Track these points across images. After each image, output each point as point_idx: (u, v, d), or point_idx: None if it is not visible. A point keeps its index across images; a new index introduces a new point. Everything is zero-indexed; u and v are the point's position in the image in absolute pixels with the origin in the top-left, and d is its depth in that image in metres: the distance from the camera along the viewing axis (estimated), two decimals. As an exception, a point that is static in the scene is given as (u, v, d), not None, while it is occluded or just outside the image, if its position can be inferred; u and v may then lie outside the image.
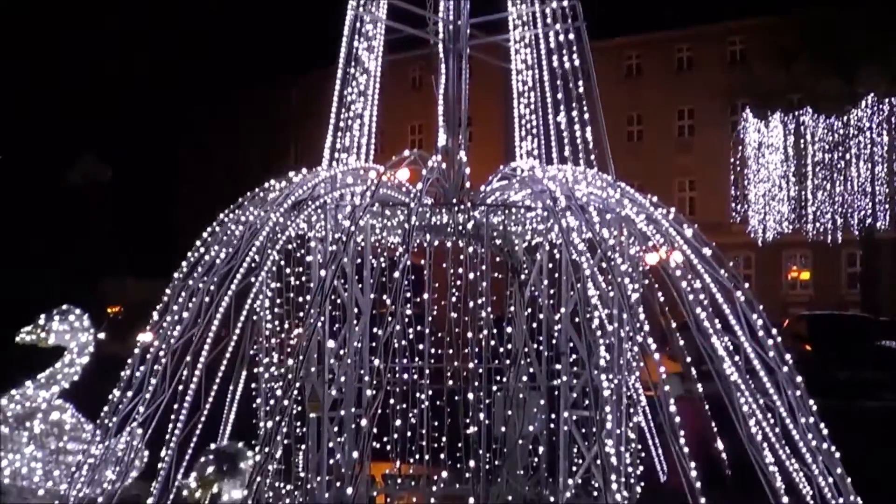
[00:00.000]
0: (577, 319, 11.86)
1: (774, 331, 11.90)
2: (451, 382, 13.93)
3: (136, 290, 32.04)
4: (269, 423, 9.74)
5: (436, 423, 14.28)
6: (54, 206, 37.41)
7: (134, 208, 39.30)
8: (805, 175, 51.62)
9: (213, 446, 9.71)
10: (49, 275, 33.27)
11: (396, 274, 9.73)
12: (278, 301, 12.41)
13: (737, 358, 11.41)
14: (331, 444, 11.32)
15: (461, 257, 13.93)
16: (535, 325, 13.52)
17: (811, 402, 11.67)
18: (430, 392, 14.09)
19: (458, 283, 14.02)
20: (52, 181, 37.04)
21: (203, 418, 10.20)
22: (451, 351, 14.22)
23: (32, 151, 38.04)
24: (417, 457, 14.39)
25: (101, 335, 17.06)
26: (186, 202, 41.07)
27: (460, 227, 11.47)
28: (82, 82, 42.69)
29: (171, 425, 10.50)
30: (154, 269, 39.14)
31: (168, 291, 11.73)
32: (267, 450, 9.11)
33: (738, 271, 12.20)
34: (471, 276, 12.27)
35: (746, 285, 12.18)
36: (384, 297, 12.39)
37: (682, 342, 11.68)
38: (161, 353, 10.87)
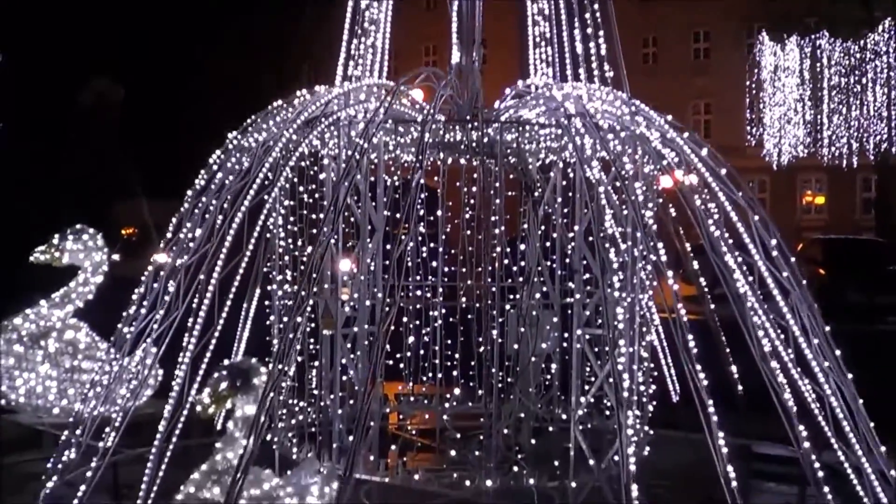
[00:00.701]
0: (590, 238, 11.81)
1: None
2: (464, 301, 13.89)
3: (149, 211, 32.07)
4: (283, 341, 9.74)
5: (448, 342, 14.28)
6: (67, 128, 37.35)
7: (146, 130, 39.17)
8: (821, 99, 51.31)
9: (226, 362, 9.69)
10: (62, 196, 33.25)
11: (411, 188, 9.66)
12: (291, 219, 12.38)
13: (751, 279, 11.36)
14: (343, 362, 11.35)
15: (474, 175, 13.86)
16: (548, 243, 13.49)
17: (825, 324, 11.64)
18: (443, 310, 14.07)
19: (472, 201, 13.98)
20: (63, 102, 36.92)
21: (216, 335, 10.18)
22: (464, 269, 14.20)
23: (43, 72, 37.94)
24: (430, 375, 14.42)
25: (116, 256, 17.04)
26: (198, 124, 40.92)
27: (474, 144, 11.40)
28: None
29: (184, 342, 10.51)
30: (167, 191, 39.17)
31: (182, 209, 11.70)
32: (280, 366, 9.11)
33: (752, 195, 12.05)
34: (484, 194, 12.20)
35: (762, 208, 12.09)
36: (397, 215, 12.40)
37: (696, 264, 11.61)
38: (174, 271, 10.83)
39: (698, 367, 10.13)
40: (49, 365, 15.33)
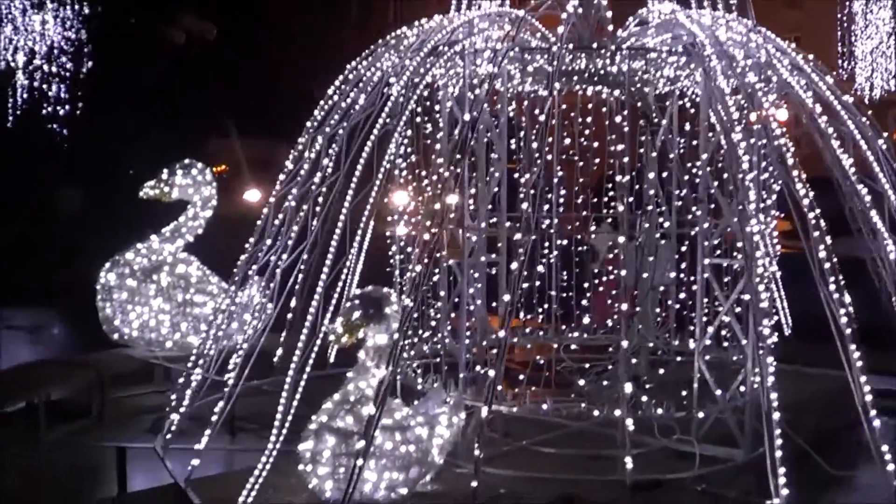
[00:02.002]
0: (716, 166, 11.66)
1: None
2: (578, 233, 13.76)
3: (241, 149, 32.18)
4: (409, 272, 9.68)
5: (564, 274, 14.16)
6: (159, 67, 37.45)
7: (237, 70, 39.16)
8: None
9: (357, 291, 9.65)
10: (154, 135, 33.40)
11: (542, 118, 9.51)
12: (409, 150, 12.27)
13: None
14: (471, 291, 11.28)
15: (588, 106, 13.70)
16: (664, 174, 13.31)
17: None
18: (561, 242, 13.91)
19: (587, 132, 13.82)
20: (155, 41, 37.01)
21: (349, 267, 10.15)
22: (579, 200, 14.06)
23: (134, 11, 37.99)
24: (546, 307, 14.30)
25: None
26: (287, 61, 40.84)
27: (601, 73, 11.20)
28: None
29: (306, 272, 10.48)
30: (257, 130, 39.30)
31: (301, 140, 11.64)
32: (414, 296, 9.06)
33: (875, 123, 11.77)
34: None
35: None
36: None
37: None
38: (303, 200, 10.78)
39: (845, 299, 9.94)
40: (161, 299, 15.40)
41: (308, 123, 11.64)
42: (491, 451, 11.20)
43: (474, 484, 8.98)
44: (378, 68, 11.23)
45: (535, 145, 9.80)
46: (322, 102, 11.65)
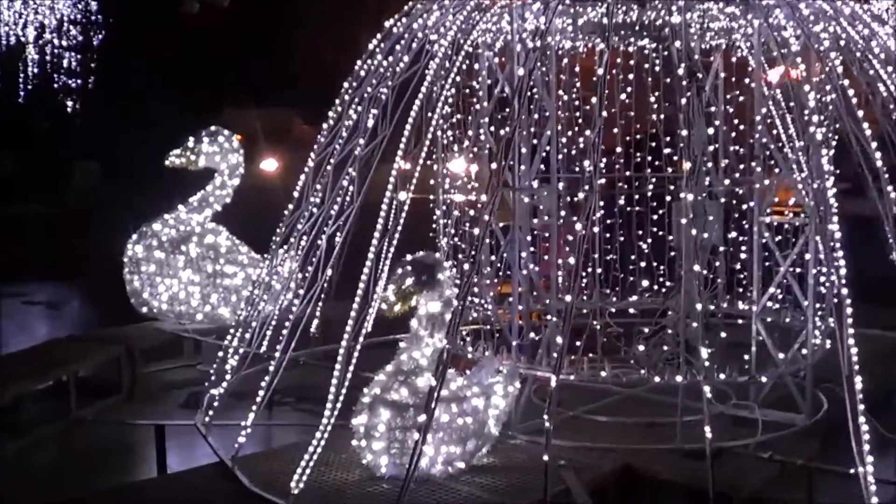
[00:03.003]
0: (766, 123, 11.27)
1: None
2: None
3: (257, 118, 31.77)
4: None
5: (608, 236, 13.68)
6: (172, 35, 37.07)
7: (252, 38, 38.75)
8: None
9: (409, 257, 9.22)
10: (169, 105, 33.08)
11: (600, 71, 9.08)
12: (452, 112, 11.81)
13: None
14: (523, 255, 10.85)
15: (631, 61, 13.20)
16: (711, 131, 12.84)
17: None
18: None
19: (629, 89, 13.34)
20: (168, 9, 36.56)
21: (395, 234, 9.71)
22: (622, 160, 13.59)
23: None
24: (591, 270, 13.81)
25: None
26: (304, 30, 40.44)
27: (655, 25, 10.74)
28: None
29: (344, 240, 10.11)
30: (274, 100, 38.88)
31: (337, 101, 11.22)
32: (473, 261, 8.65)
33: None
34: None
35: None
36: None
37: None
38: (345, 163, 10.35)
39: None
40: (191, 270, 15.03)
41: (345, 84, 11.20)
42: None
43: (546, 458, 8.58)
44: (420, 27, 10.76)
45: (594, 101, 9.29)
46: (360, 62, 11.19)
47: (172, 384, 14.42)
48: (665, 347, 11.46)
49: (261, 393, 10.53)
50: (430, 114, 10.67)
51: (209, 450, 10.85)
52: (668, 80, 11.45)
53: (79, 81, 42.69)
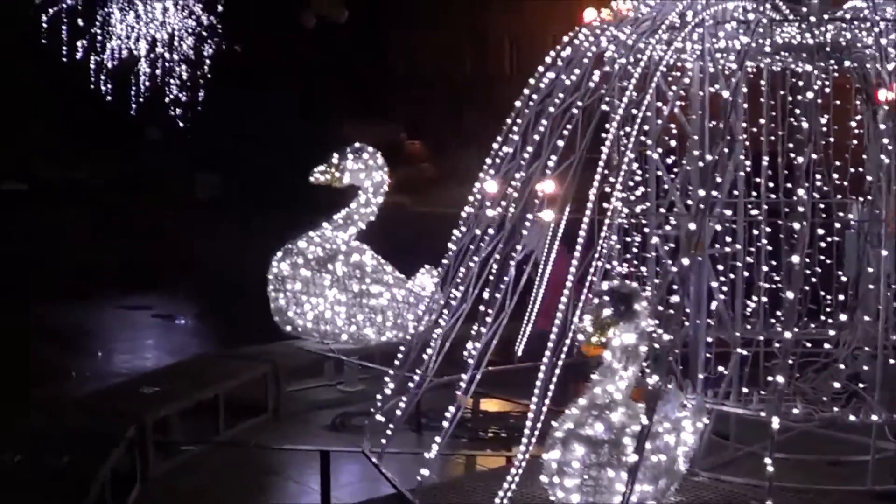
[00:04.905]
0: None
1: None
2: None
3: (373, 134, 31.65)
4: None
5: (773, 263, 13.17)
6: (292, 49, 37.16)
7: (368, 52, 38.84)
8: None
9: (606, 286, 8.83)
10: (290, 120, 33.17)
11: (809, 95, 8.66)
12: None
13: None
14: (714, 284, 10.44)
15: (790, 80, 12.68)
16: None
17: None
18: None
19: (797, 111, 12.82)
20: (288, 23, 36.66)
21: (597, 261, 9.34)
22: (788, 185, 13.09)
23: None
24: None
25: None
26: (417, 44, 40.55)
27: (851, 45, 10.30)
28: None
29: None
30: (386, 115, 38.91)
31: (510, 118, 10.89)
32: (683, 291, 8.27)
33: None
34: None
35: None
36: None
37: None
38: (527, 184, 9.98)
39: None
40: (337, 289, 14.78)
41: (517, 103, 10.87)
42: (723, 456, 10.50)
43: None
44: (604, 46, 10.40)
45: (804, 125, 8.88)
46: (533, 81, 10.87)
47: (315, 404, 14.30)
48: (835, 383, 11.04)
49: (444, 423, 10.14)
50: (623, 132, 10.32)
51: (369, 476, 10.64)
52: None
53: (193, 94, 42.99)
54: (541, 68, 11.02)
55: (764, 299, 12.82)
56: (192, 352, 17.15)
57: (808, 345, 11.57)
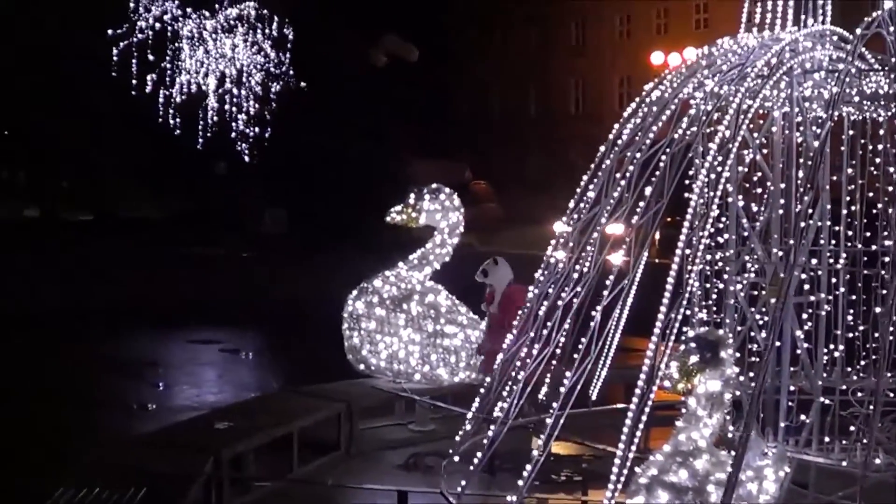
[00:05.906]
0: None
1: None
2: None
3: (446, 171, 31.75)
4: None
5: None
6: (360, 87, 37.39)
7: (435, 92, 39.10)
8: None
9: (691, 333, 8.85)
10: (358, 158, 33.36)
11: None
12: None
13: None
14: (799, 334, 10.39)
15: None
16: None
17: None
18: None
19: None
20: (358, 61, 36.96)
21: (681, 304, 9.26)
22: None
23: (336, 35, 37.89)
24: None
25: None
26: (484, 84, 40.73)
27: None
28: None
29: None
30: (452, 155, 39.12)
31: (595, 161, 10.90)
32: (772, 338, 8.23)
33: None
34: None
35: None
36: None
37: None
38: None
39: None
40: (412, 329, 14.82)
41: (601, 148, 10.88)
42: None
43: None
44: (689, 93, 10.40)
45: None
46: (616, 126, 10.89)
47: (387, 443, 14.27)
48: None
49: (518, 465, 10.12)
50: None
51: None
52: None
53: (270, 129, 43.25)
54: (626, 113, 11.02)
55: (841, 347, 12.76)
56: (258, 387, 17.25)
57: (892, 394, 11.45)
